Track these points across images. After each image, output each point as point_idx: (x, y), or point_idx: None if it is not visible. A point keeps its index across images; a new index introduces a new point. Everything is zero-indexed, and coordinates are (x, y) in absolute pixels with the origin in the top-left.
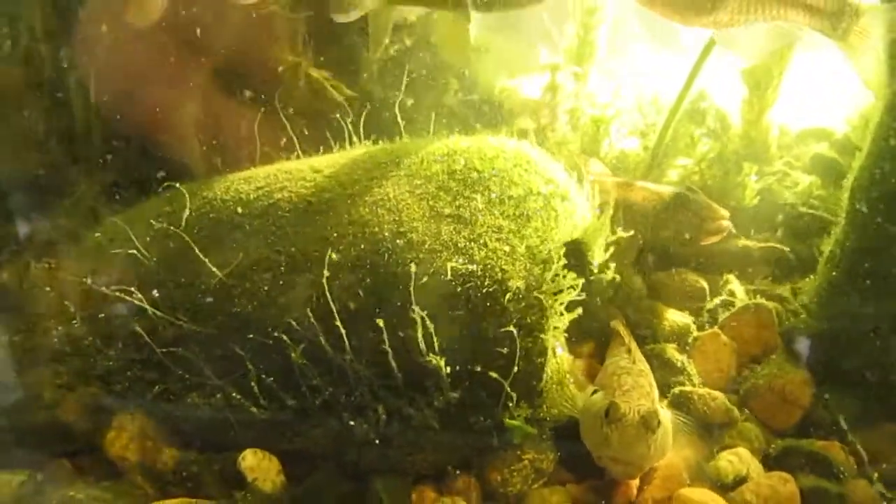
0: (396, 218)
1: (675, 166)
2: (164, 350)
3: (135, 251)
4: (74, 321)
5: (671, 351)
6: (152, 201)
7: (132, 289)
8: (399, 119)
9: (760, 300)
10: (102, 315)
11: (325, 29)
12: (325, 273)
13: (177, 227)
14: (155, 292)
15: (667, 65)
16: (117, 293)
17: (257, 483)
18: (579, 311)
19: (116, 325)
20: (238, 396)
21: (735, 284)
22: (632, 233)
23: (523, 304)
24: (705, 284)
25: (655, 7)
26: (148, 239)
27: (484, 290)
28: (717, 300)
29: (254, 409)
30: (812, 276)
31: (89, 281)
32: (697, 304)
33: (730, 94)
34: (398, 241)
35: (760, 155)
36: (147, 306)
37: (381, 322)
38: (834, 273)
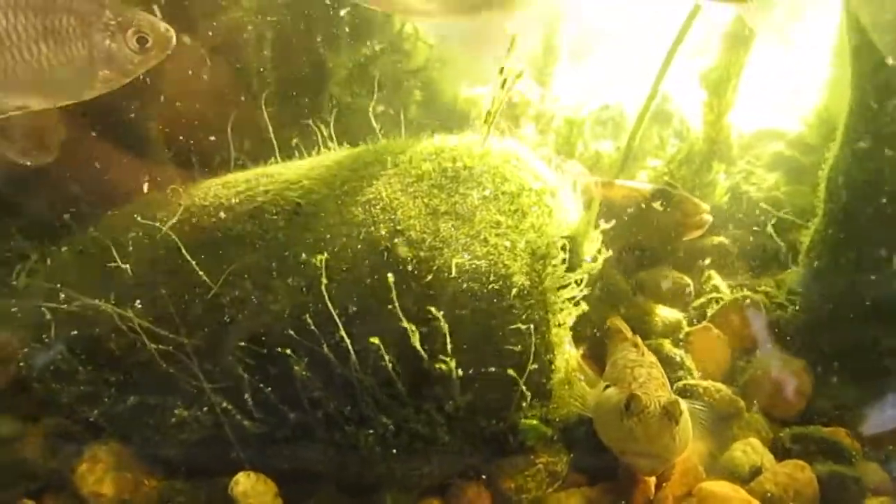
0: (392, 216)
1: (646, 167)
2: (144, 368)
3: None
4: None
5: (668, 346)
6: (121, 213)
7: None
8: (374, 123)
9: (748, 293)
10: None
11: (292, 36)
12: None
13: (154, 236)
14: (135, 305)
15: (631, 68)
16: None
17: None
18: (585, 307)
19: (91, 345)
20: (229, 413)
21: (718, 280)
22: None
23: (529, 300)
24: (690, 281)
25: None
26: (121, 249)
27: (490, 287)
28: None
29: (247, 425)
30: (794, 267)
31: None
32: (684, 300)
33: (687, 97)
34: (396, 239)
35: (724, 155)
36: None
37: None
38: (816, 263)
